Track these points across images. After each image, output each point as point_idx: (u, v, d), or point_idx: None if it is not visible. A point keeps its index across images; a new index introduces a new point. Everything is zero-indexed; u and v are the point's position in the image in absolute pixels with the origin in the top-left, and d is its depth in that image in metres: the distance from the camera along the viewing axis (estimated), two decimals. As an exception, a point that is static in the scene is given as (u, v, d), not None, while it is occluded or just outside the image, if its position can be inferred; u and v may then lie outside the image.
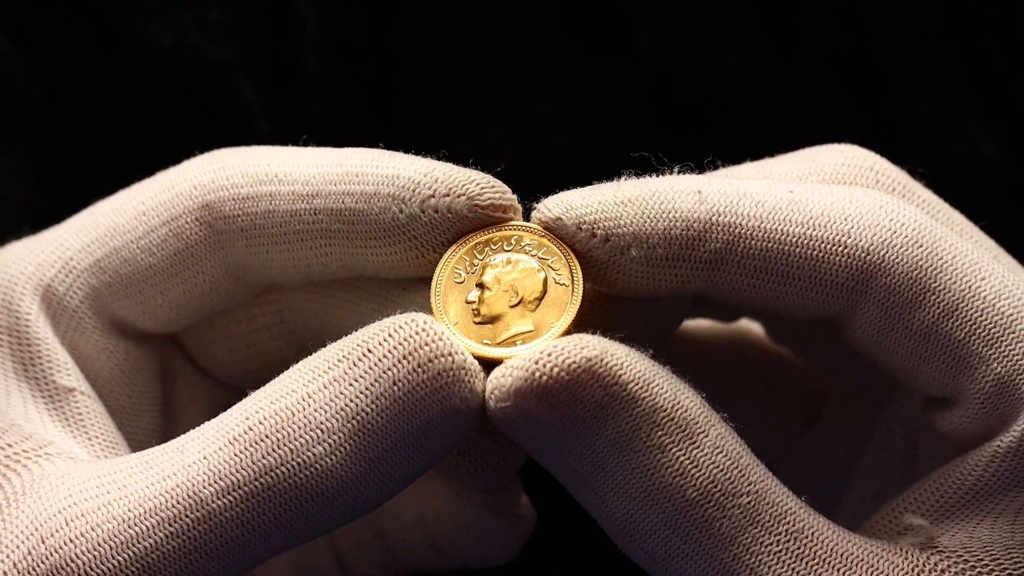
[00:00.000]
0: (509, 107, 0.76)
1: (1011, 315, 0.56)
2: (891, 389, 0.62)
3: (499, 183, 0.56)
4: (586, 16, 0.75)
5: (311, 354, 0.55)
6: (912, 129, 0.76)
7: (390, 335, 0.53)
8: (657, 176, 0.57)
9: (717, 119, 0.76)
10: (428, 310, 0.56)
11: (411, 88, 0.75)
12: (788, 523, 0.54)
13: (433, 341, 0.53)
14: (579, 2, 0.75)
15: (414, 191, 0.56)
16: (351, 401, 0.53)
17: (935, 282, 0.56)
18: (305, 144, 0.60)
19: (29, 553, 0.53)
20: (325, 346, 0.55)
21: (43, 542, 0.53)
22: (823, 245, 0.56)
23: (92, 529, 0.53)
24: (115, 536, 0.53)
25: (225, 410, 0.63)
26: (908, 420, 0.62)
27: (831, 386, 0.66)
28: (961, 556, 0.56)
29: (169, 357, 0.63)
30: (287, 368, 0.59)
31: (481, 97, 0.75)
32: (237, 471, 0.53)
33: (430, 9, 0.75)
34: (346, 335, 0.55)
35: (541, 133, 0.76)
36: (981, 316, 0.56)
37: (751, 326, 0.67)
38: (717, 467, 0.54)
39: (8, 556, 0.53)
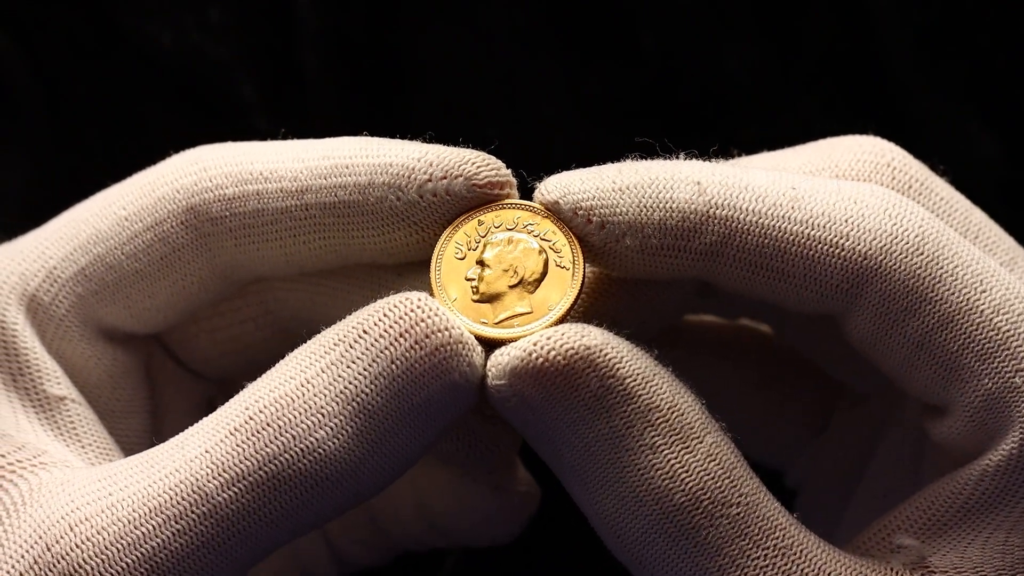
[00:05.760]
0: (509, 107, 0.75)
1: (1007, 331, 0.55)
2: (899, 393, 0.62)
3: (493, 159, 0.56)
4: (586, 16, 0.75)
5: (304, 342, 0.54)
6: (912, 129, 0.75)
7: (385, 315, 0.53)
8: (662, 160, 0.56)
9: (718, 119, 0.76)
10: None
11: (411, 88, 0.75)
12: (777, 538, 0.54)
13: (429, 317, 0.53)
14: (579, 2, 0.75)
15: (410, 177, 0.56)
16: (350, 383, 0.53)
17: (932, 292, 0.55)
18: (285, 137, 0.60)
19: (35, 562, 0.53)
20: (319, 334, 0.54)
21: (48, 550, 0.53)
22: (820, 246, 0.55)
23: (97, 533, 0.53)
24: (121, 538, 0.52)
25: (209, 404, 0.63)
26: (916, 426, 0.61)
27: (840, 394, 0.65)
28: None
29: (151, 355, 0.62)
30: (274, 357, 0.59)
31: (481, 97, 0.75)
32: (241, 462, 0.52)
33: (430, 9, 0.75)
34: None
35: (541, 133, 0.76)
36: (976, 330, 0.55)
37: (759, 327, 0.66)
38: (709, 475, 0.53)
39: (14, 566, 0.53)
